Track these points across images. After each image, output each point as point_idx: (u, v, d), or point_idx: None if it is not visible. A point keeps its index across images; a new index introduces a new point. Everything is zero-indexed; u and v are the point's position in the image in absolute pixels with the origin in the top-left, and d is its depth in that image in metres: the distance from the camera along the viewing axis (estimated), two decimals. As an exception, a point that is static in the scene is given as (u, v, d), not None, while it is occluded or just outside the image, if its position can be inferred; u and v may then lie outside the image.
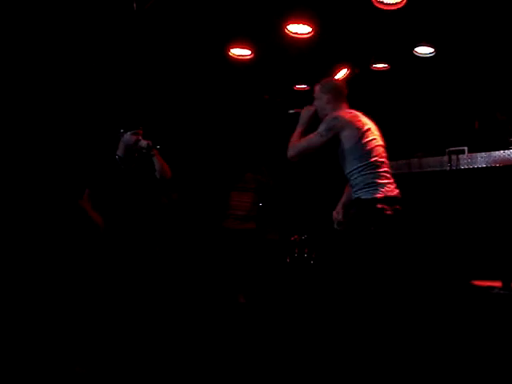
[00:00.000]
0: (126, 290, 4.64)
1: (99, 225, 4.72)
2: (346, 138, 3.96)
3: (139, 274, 4.75)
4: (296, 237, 7.87)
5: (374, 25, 6.07)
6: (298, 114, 4.28)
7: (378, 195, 3.84)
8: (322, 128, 4.01)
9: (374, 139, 4.01)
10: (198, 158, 8.00)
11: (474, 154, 6.39)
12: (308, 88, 7.57)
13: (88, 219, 4.74)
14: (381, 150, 4.03)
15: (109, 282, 4.64)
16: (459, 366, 4.22)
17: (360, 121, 4.00)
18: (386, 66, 7.05)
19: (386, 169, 3.97)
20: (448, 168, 6.52)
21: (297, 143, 4.07)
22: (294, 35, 6.30)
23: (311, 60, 7.07)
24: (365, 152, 3.93)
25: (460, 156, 6.49)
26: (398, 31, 6.39)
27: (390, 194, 3.86)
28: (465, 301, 4.98)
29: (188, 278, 7.03)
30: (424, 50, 6.60)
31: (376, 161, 3.93)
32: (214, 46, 6.59)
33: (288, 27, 5.98)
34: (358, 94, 7.12)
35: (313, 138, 4.03)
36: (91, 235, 4.67)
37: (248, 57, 6.75)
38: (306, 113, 4.23)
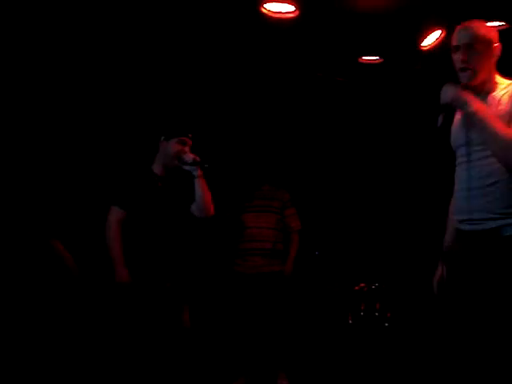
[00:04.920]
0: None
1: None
2: None
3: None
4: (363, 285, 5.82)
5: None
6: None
7: None
8: None
9: None
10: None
11: None
12: (381, 60, 5.29)
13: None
14: None
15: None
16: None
17: None
18: (503, 24, 4.88)
19: None
20: None
21: None
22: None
23: (386, 19, 4.98)
24: None
25: None
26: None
27: None
28: None
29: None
30: None
31: None
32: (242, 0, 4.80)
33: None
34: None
35: None
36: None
37: (290, 15, 4.94)
38: (458, 92, 2.73)
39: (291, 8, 4.91)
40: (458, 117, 2.94)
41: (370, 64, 5.50)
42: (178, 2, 4.75)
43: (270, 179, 5.35)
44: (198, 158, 3.94)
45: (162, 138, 4.05)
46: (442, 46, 5.18)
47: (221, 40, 5.33)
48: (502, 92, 2.77)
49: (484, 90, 2.82)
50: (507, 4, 4.81)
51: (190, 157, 3.94)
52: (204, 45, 5.35)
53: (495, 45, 2.81)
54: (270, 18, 4.97)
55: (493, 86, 2.83)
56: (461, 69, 2.80)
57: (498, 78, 2.87)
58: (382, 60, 5.50)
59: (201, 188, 3.98)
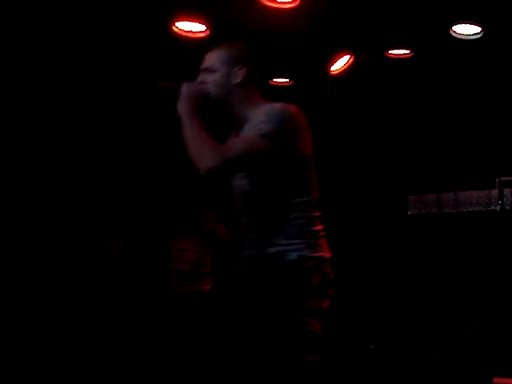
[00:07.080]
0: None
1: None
2: (300, 153, 2.42)
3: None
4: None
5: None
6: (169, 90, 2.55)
7: (319, 253, 2.42)
8: (270, 126, 2.30)
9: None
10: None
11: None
12: (291, 83, 5.13)
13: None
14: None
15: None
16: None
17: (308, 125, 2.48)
18: (407, 52, 5.18)
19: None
20: (498, 207, 5.27)
21: (223, 146, 2.31)
22: (272, 4, 4.73)
23: (298, 43, 5.11)
24: (312, 181, 2.47)
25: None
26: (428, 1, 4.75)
27: (327, 254, 2.47)
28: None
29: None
30: (466, 30, 4.89)
31: (315, 198, 2.47)
32: (153, 18, 5.03)
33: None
34: (366, 93, 5.90)
35: (254, 140, 2.29)
36: None
37: (201, 34, 5.07)
38: (190, 92, 2.44)
39: (202, 28, 5.03)
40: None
41: (280, 86, 5.22)
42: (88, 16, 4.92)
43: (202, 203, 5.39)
44: None
45: None
46: (350, 71, 5.28)
47: (130, 56, 5.16)
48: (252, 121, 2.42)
49: (241, 120, 2.49)
50: (414, 30, 5.08)
51: None
52: (116, 60, 5.18)
53: (236, 69, 2.46)
54: (181, 36, 5.03)
55: (250, 115, 2.44)
56: None
57: (259, 106, 2.46)
58: (292, 83, 4.99)
59: None
